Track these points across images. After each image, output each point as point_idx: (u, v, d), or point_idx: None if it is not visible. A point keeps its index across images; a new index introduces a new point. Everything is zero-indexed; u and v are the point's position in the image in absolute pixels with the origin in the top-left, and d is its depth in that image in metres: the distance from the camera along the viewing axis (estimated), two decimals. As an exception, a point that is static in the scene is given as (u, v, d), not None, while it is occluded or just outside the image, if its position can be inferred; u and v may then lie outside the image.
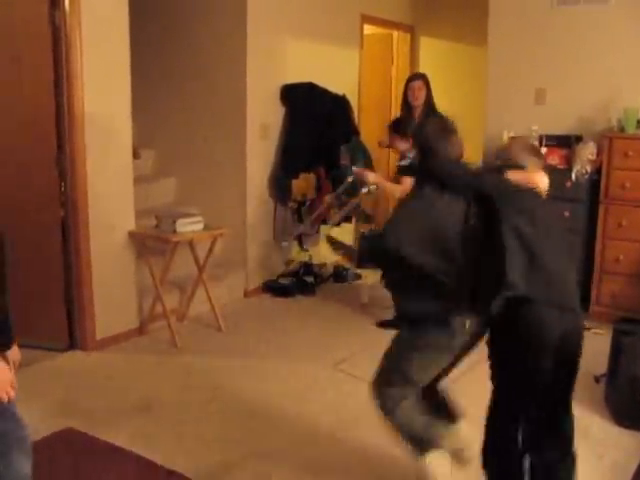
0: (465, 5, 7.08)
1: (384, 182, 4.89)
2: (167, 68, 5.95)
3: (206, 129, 5.74)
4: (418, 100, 5.44)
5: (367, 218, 5.22)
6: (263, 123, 5.76)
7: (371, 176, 4.81)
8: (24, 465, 2.34)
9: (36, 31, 4.18)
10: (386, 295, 3.03)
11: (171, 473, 3.04)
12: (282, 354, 4.51)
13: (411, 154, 4.68)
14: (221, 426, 3.52)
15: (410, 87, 5.49)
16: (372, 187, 4.75)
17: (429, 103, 5.46)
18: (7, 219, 4.42)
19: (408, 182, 4.79)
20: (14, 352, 2.45)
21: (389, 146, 5.69)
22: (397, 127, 4.97)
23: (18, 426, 2.37)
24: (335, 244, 4.30)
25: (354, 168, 4.96)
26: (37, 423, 3.47)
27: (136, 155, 4.61)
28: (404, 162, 4.86)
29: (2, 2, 4.26)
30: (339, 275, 6.33)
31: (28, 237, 4.41)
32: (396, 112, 7.72)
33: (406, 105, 5.54)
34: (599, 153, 5.15)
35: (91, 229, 4.39)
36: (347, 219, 6.24)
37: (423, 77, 5.50)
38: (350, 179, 4.93)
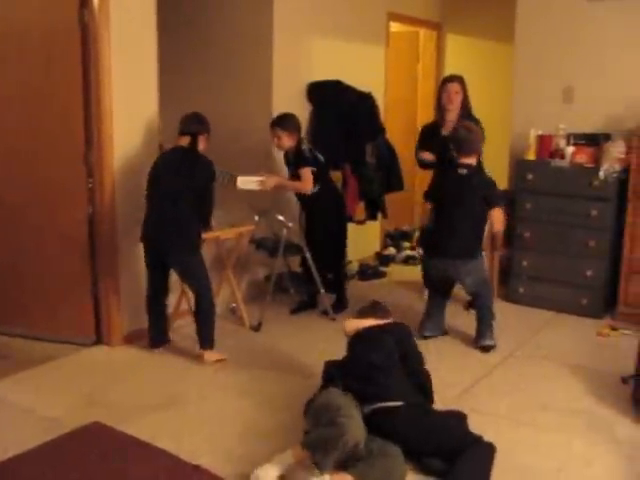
0: (492, 1, 7.03)
1: (285, 181, 5.11)
2: (194, 65, 5.96)
3: (233, 126, 5.75)
4: (453, 104, 5.13)
5: (297, 249, 5.19)
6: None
7: (270, 181, 4.96)
8: None
9: (66, 29, 4.22)
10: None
11: (197, 468, 3.05)
12: (308, 351, 4.51)
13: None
14: (247, 422, 3.52)
15: (446, 89, 5.17)
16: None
17: (465, 107, 5.19)
18: (36, 215, 4.51)
19: (308, 174, 4.95)
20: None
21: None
22: (283, 122, 5.02)
23: None
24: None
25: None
26: (64, 416, 3.53)
27: (162, 152, 4.64)
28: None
29: (35, 1, 4.32)
30: (365, 272, 6.34)
31: (56, 232, 4.47)
32: (422, 110, 7.73)
33: (439, 108, 5.26)
34: (628, 152, 5.08)
35: (118, 225, 4.44)
36: (373, 217, 6.23)
37: (460, 79, 5.18)
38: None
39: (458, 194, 4.39)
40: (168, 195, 4.14)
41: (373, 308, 3.73)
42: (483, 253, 4.71)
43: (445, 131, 5.11)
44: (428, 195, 4.84)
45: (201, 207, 4.21)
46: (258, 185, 4.90)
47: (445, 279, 4.61)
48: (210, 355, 4.30)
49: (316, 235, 5.16)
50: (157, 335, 4.47)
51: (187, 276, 4.33)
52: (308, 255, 5.05)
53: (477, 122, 5.13)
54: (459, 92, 5.13)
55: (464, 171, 4.32)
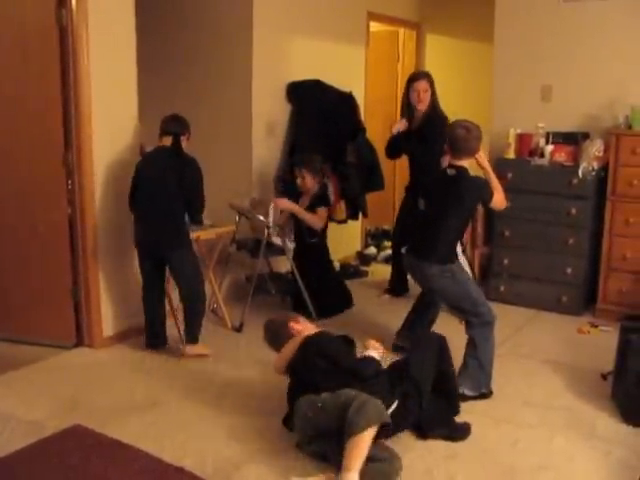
0: (471, 1, 7.06)
1: (302, 211, 5.08)
2: (174, 66, 5.94)
3: (212, 127, 5.74)
4: (423, 103, 4.91)
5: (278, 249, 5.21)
6: (269, 120, 5.77)
7: (280, 202, 5.06)
8: None
9: (43, 30, 4.19)
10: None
11: (179, 470, 3.05)
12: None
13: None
14: (230, 423, 3.52)
15: (414, 88, 4.95)
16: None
17: (433, 106, 4.99)
18: (15, 217, 4.47)
19: (325, 214, 5.08)
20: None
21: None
22: (308, 163, 5.13)
23: None
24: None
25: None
26: (45, 420, 3.50)
27: (142, 152, 4.62)
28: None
29: (11, 1, 4.28)
30: (346, 272, 6.34)
31: (36, 235, 4.43)
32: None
33: (408, 109, 5.04)
34: (606, 150, 5.13)
35: (98, 225, 4.41)
36: (354, 216, 6.24)
37: (428, 76, 5.01)
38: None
39: (442, 195, 3.90)
40: (158, 195, 4.18)
41: (279, 336, 3.65)
42: (462, 257, 4.43)
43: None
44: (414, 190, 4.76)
45: (191, 203, 4.27)
46: (273, 208, 5.01)
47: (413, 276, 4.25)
48: (192, 349, 4.35)
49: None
50: (153, 337, 4.51)
51: (183, 272, 4.30)
52: (292, 263, 5.12)
53: (445, 119, 4.97)
54: (428, 90, 4.93)
55: (453, 172, 3.82)
